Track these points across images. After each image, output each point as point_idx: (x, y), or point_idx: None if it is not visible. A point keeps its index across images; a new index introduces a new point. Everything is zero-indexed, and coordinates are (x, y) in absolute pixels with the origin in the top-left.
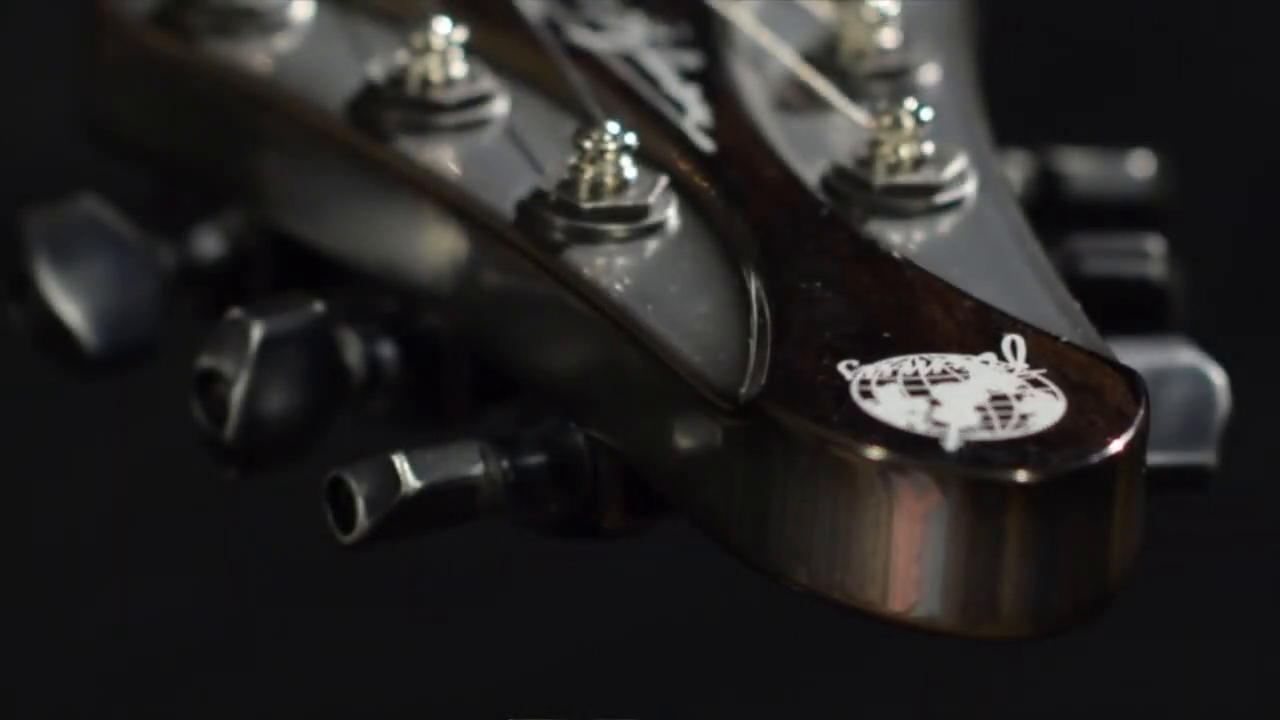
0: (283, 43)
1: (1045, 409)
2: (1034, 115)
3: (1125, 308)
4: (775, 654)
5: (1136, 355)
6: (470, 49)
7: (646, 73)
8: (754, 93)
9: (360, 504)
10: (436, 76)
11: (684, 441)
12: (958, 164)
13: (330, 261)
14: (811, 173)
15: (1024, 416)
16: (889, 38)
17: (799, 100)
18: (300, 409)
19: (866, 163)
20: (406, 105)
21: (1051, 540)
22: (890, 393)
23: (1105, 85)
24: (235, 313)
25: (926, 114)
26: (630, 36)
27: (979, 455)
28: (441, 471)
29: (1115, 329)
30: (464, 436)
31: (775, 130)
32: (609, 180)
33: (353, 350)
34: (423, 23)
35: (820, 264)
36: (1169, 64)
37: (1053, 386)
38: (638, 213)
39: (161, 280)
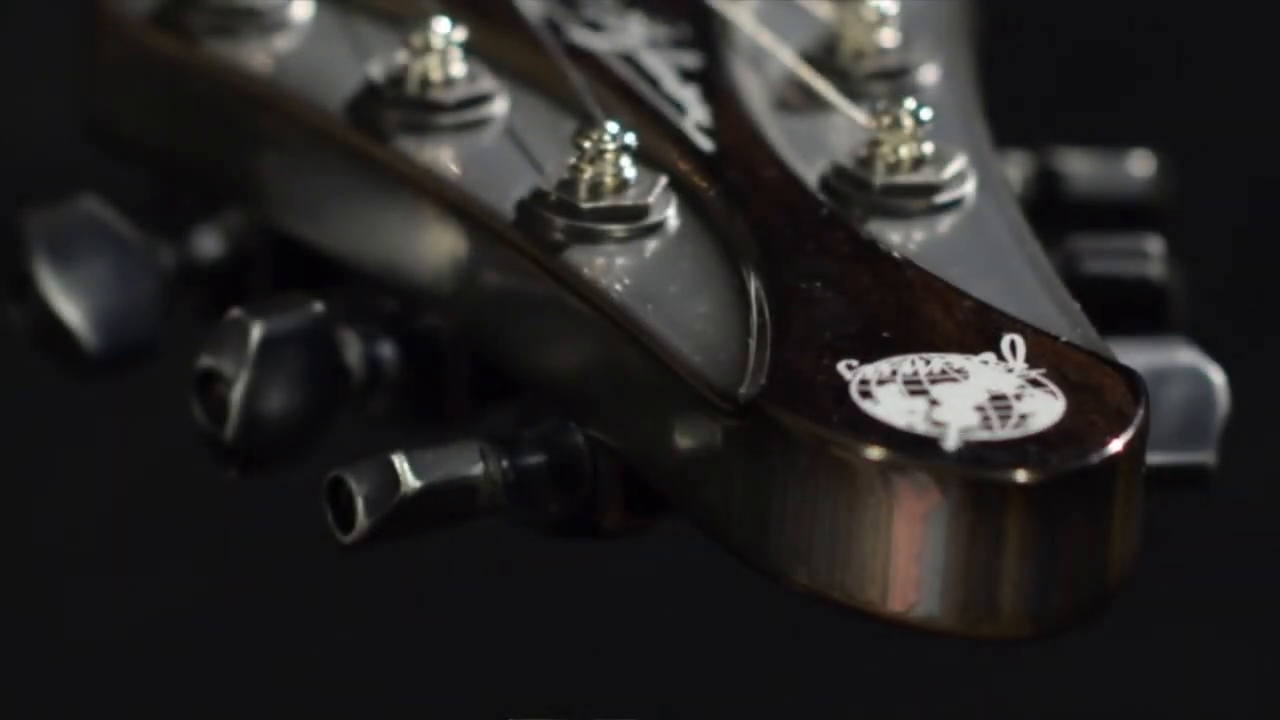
0: (283, 43)
1: (1045, 409)
2: (1034, 115)
3: (1125, 308)
4: (775, 654)
5: (1136, 355)
6: (470, 49)
7: (646, 73)
8: (754, 93)
9: (360, 504)
10: (436, 76)
11: (684, 441)
12: (957, 164)
13: (330, 261)
14: (811, 173)
15: (1024, 416)
16: (889, 38)
17: (799, 100)
18: (300, 409)
19: (866, 163)
20: (406, 105)
21: (1051, 540)
22: (890, 393)
23: (1106, 85)
24: (235, 313)
25: (926, 114)
26: (630, 36)
27: (979, 455)
28: (441, 471)
29: (1115, 329)
30: (464, 436)
31: (775, 130)
32: (609, 180)
33: (353, 350)
34: (423, 23)
35: (820, 264)
36: (1169, 64)
37: (1052, 386)
38: (637, 213)
39: (161, 280)
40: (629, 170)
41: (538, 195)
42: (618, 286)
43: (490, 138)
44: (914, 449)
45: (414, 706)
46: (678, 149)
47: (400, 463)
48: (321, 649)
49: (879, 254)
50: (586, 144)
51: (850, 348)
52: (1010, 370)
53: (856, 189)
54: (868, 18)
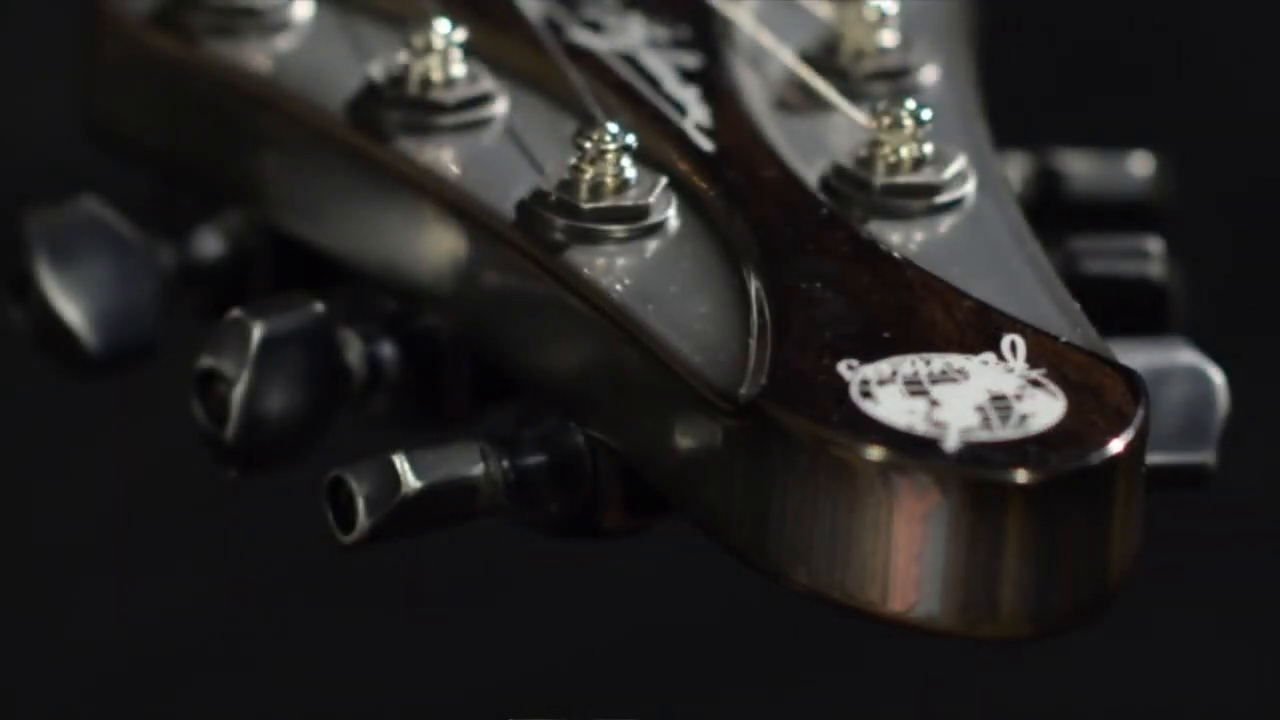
0: (283, 43)
1: (1045, 409)
2: (1034, 115)
3: (1125, 308)
4: (775, 654)
5: (1136, 355)
6: (470, 49)
7: (646, 73)
8: (754, 93)
9: (360, 504)
10: (437, 76)
11: (684, 441)
12: (957, 164)
13: (330, 261)
14: (811, 173)
15: (1024, 417)
16: (889, 38)
17: (799, 100)
18: (300, 409)
19: (866, 163)
20: (407, 105)
21: (1051, 540)
22: (890, 393)
23: (1105, 85)
24: (235, 313)
25: (926, 114)
26: (630, 36)
27: (979, 455)
28: (441, 471)
29: (1115, 329)
30: (464, 436)
31: (775, 130)
32: (609, 180)
33: (353, 350)
34: (423, 23)
35: (820, 264)
36: (1169, 64)
37: (1052, 386)
38: (638, 213)
39: (161, 280)
40: (629, 171)
41: (538, 195)
42: (618, 287)
43: (491, 138)
44: (914, 449)
45: (414, 706)
46: (678, 149)
47: (400, 463)
48: (321, 649)
49: (879, 254)
50: (587, 144)
51: (850, 348)
52: (1010, 370)
53: (856, 189)
54: (868, 18)
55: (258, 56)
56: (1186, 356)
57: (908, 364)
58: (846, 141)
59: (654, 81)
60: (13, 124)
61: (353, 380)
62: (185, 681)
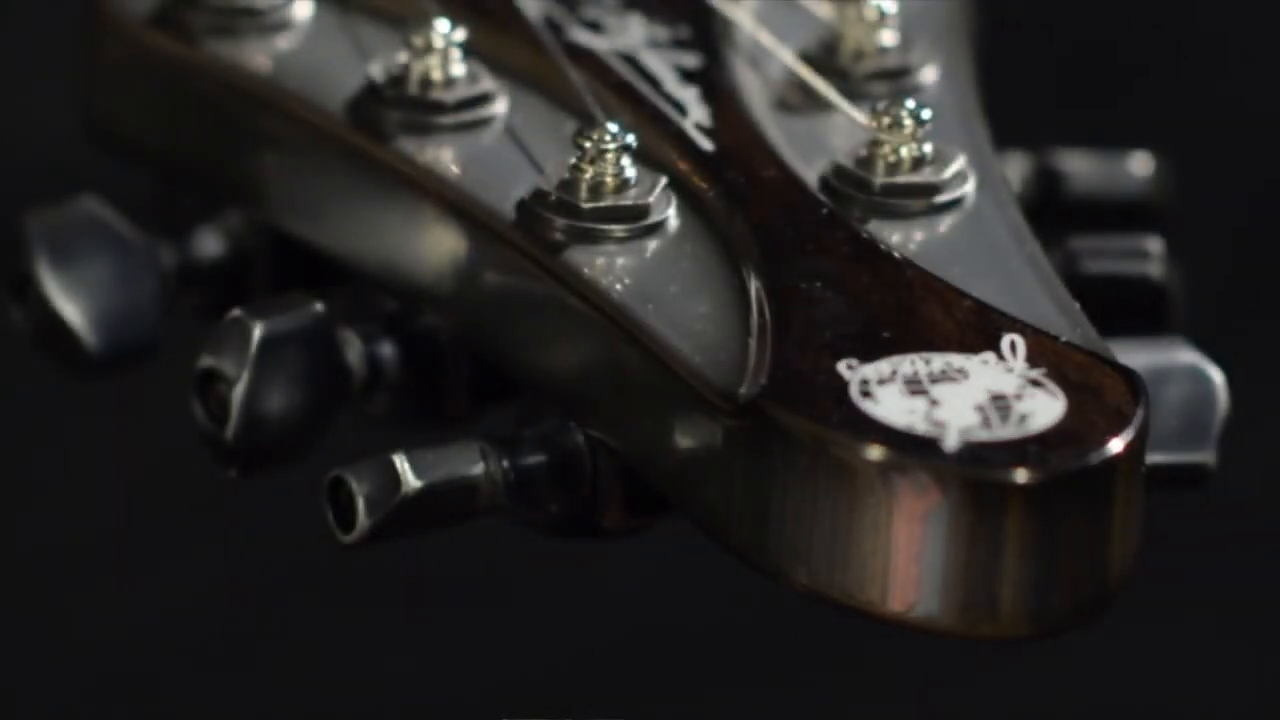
0: (283, 43)
1: (1045, 409)
2: (1034, 115)
3: (1125, 308)
4: (775, 654)
5: (1136, 355)
6: (470, 49)
7: (646, 73)
8: (754, 93)
9: (360, 504)
10: (437, 76)
11: (684, 441)
12: (957, 164)
13: (330, 261)
14: (811, 173)
15: (1023, 416)
16: (889, 37)
17: (799, 100)
18: (300, 409)
19: (866, 163)
20: (407, 105)
21: (1051, 540)
22: (890, 392)
23: (1105, 85)
24: (235, 313)
25: (926, 114)
26: (630, 36)
27: (978, 455)
28: (442, 471)
29: (1115, 329)
30: (464, 436)
31: (775, 130)
32: (609, 180)
33: (353, 350)
34: (423, 23)
35: (820, 264)
36: (1168, 64)
37: (1052, 386)
38: (638, 212)
39: (162, 280)
40: (629, 170)
41: (538, 195)
42: (618, 286)
43: (491, 138)
44: (914, 449)
45: (414, 706)
46: (678, 149)
47: (400, 463)
48: (321, 649)
49: (879, 254)
50: (587, 144)
51: (850, 348)
52: (1010, 370)
53: (856, 189)
54: (868, 18)
55: (258, 56)
56: (1186, 356)
57: (907, 364)
58: (846, 141)
59: (654, 81)
60: (13, 124)
61: (353, 380)
62: (185, 681)
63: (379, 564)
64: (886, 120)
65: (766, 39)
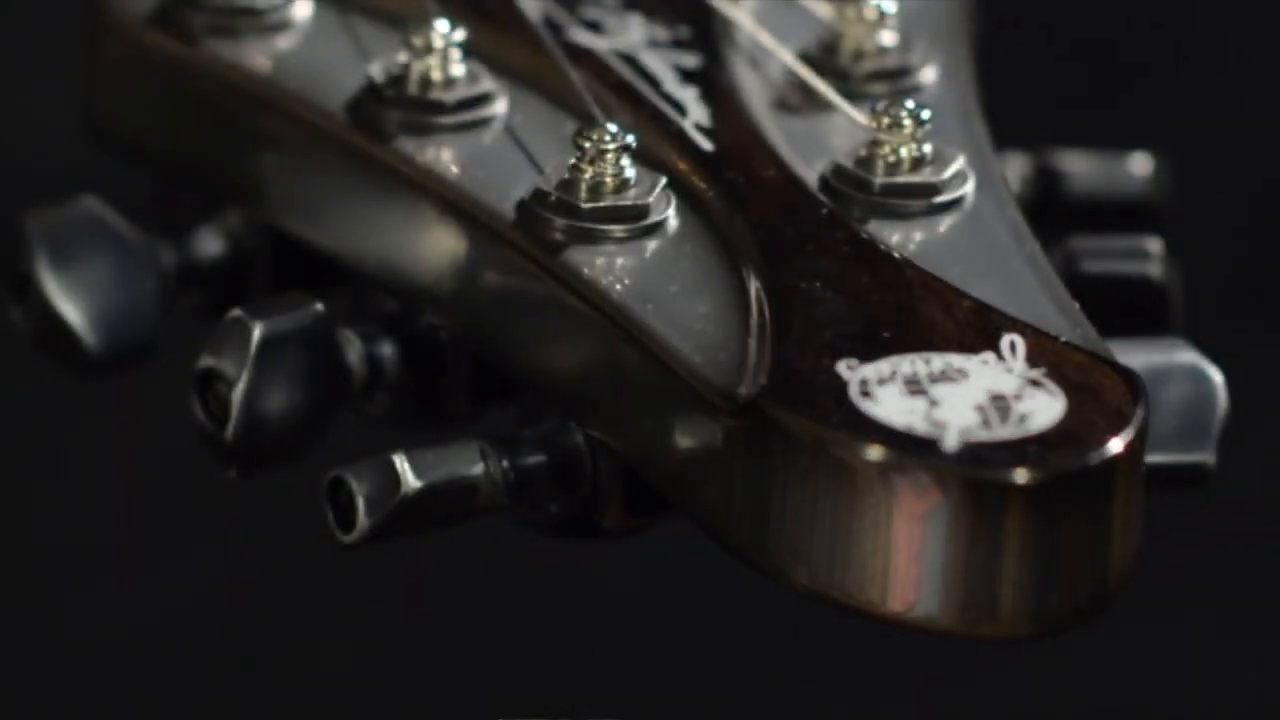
0: (283, 43)
1: (1044, 409)
2: (1034, 115)
3: (1125, 307)
4: (775, 654)
5: (1136, 355)
6: (470, 49)
7: (646, 73)
8: (754, 93)
9: (360, 504)
10: (437, 76)
11: (684, 441)
12: (957, 164)
13: (330, 261)
14: (811, 173)
15: (1023, 416)
16: (889, 37)
17: (799, 100)
18: (300, 409)
19: (866, 163)
20: (407, 105)
21: (1051, 540)
22: (890, 393)
23: (1105, 85)
24: (235, 313)
25: (926, 114)
26: (630, 36)
27: (978, 455)
28: (441, 471)
29: (1115, 329)
30: (464, 436)
31: (775, 130)
32: (609, 180)
33: (353, 350)
34: (423, 23)
35: (820, 264)
36: (1168, 64)
37: (1052, 386)
38: (638, 213)
39: (162, 280)
40: (629, 170)
41: (538, 195)
42: (618, 286)
43: (491, 138)
44: (914, 449)
45: (414, 706)
46: (678, 149)
47: (400, 463)
48: (321, 649)
49: (879, 254)
50: (587, 144)
51: (850, 348)
52: (1010, 370)
53: (856, 189)
54: (868, 18)
55: (258, 56)
56: (1186, 356)
57: (907, 364)
58: (846, 141)
59: (654, 81)
60: (13, 124)
61: (353, 380)
62: (185, 681)
63: (379, 564)
64: (886, 120)
65: (766, 39)
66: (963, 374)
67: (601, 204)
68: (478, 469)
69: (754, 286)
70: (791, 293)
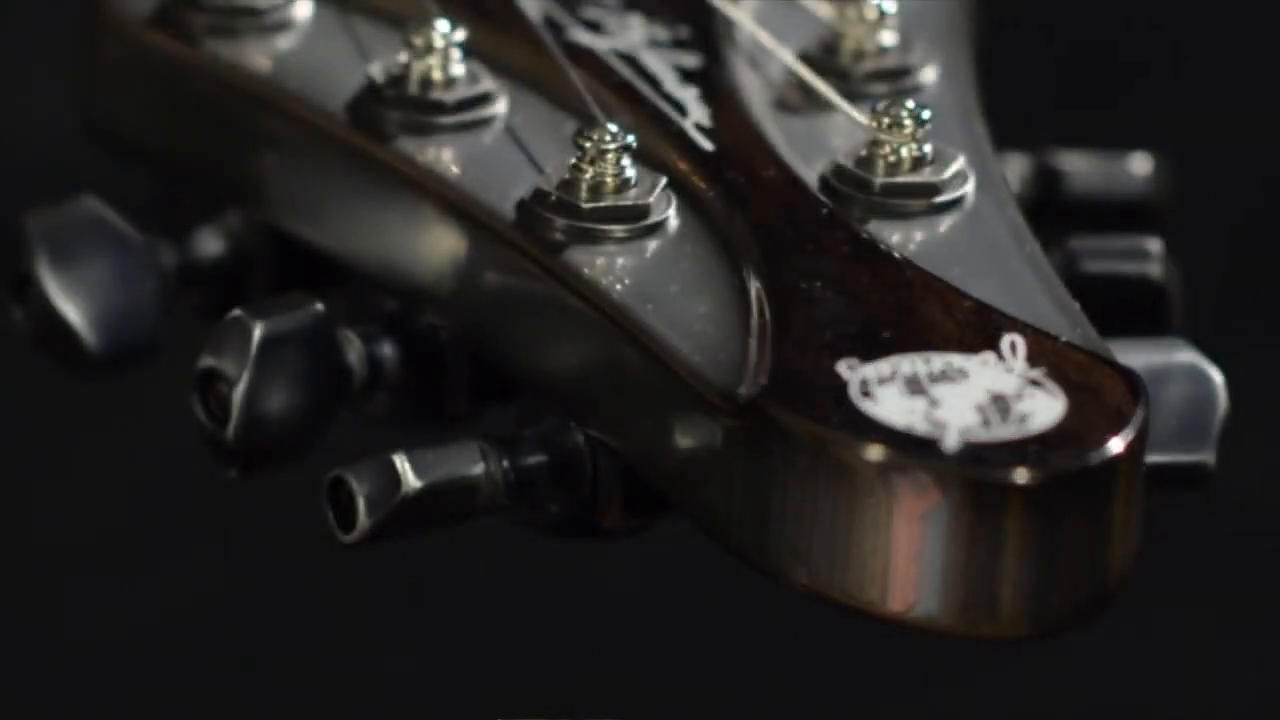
0: (283, 43)
1: (1044, 409)
2: (1034, 115)
3: (1125, 307)
4: (775, 654)
5: (1136, 355)
6: (471, 49)
7: (646, 73)
8: (754, 93)
9: (361, 504)
10: (437, 76)
11: (684, 441)
12: (957, 164)
13: (330, 261)
14: (811, 173)
15: (1023, 416)
16: (889, 37)
17: (799, 100)
18: (301, 409)
19: (866, 163)
20: (407, 105)
21: (1051, 540)
22: (890, 392)
23: (1104, 85)
24: (236, 313)
25: (926, 114)
26: (630, 36)
27: (978, 455)
28: (442, 471)
29: (1115, 329)
30: (464, 436)
31: (775, 130)
32: (609, 180)
33: (353, 350)
34: (423, 23)
35: (820, 264)
36: (1167, 64)
37: (1052, 386)
38: (638, 213)
39: (162, 280)
40: (629, 170)
41: (538, 195)
42: (618, 286)
43: (491, 138)
44: (914, 449)
45: (414, 706)
46: (678, 149)
47: (401, 463)
48: (321, 649)
49: (879, 254)
50: (587, 144)
51: (850, 347)
52: (1010, 370)
53: (856, 189)
54: (868, 18)
55: (258, 56)
56: (1186, 356)
57: (907, 364)
58: (846, 141)
59: (654, 81)
60: (13, 124)
61: (353, 380)
62: (185, 681)
63: (379, 564)
64: (886, 120)
65: (766, 39)
66: (963, 374)
67: (602, 204)
68: (478, 469)
69: (754, 286)
70: (792, 293)
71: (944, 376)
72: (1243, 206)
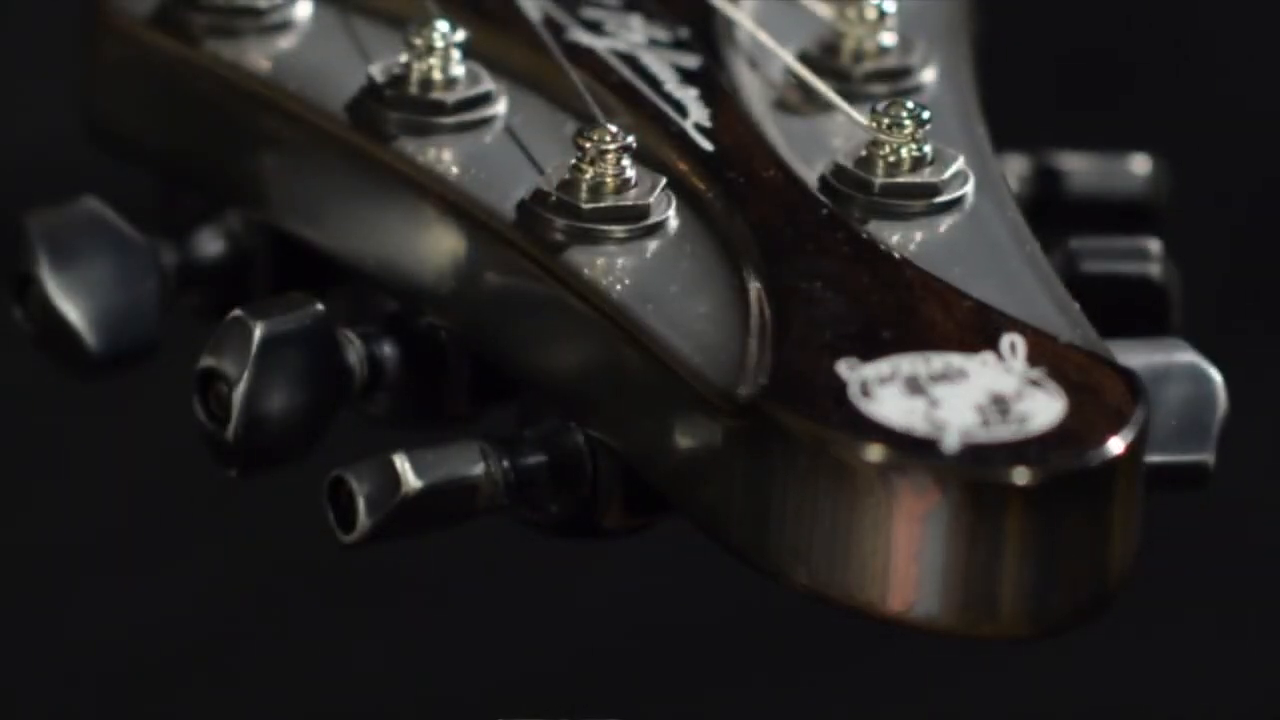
0: (283, 43)
1: (1044, 409)
2: (1034, 115)
3: (1125, 308)
4: (775, 654)
5: (1136, 355)
6: (471, 49)
7: (647, 73)
8: (754, 93)
9: (361, 504)
10: (437, 76)
11: (684, 441)
12: (957, 164)
13: (330, 261)
14: (811, 173)
15: (1023, 416)
16: (889, 37)
17: (799, 100)
18: (301, 409)
19: (866, 163)
20: (407, 105)
21: (1051, 540)
22: (890, 392)
23: (1104, 86)
24: (236, 313)
25: (926, 114)
26: (630, 36)
27: (978, 455)
28: (442, 471)
29: (1115, 329)
30: (464, 436)
31: (775, 130)
32: (609, 180)
33: (353, 350)
34: (423, 23)
35: (820, 264)
36: (1167, 64)
37: (1052, 387)
38: (638, 213)
39: (162, 280)
40: (630, 171)
41: (538, 196)
42: (618, 287)
43: (491, 138)
44: (914, 449)
45: (414, 706)
46: (678, 149)
47: (401, 463)
48: (321, 649)
49: (879, 254)
50: (588, 145)
51: (850, 347)
52: (1010, 370)
53: (856, 189)
54: (868, 18)
55: (258, 57)
56: (1185, 356)
57: (907, 364)
58: (846, 141)
59: (654, 82)
60: (13, 124)
61: (353, 380)
62: (185, 681)
63: (379, 564)
64: (886, 120)
65: (766, 39)
66: (963, 374)
67: (602, 204)
68: (478, 469)
69: (754, 286)
70: (792, 293)
71: (944, 376)
72: (1243, 206)
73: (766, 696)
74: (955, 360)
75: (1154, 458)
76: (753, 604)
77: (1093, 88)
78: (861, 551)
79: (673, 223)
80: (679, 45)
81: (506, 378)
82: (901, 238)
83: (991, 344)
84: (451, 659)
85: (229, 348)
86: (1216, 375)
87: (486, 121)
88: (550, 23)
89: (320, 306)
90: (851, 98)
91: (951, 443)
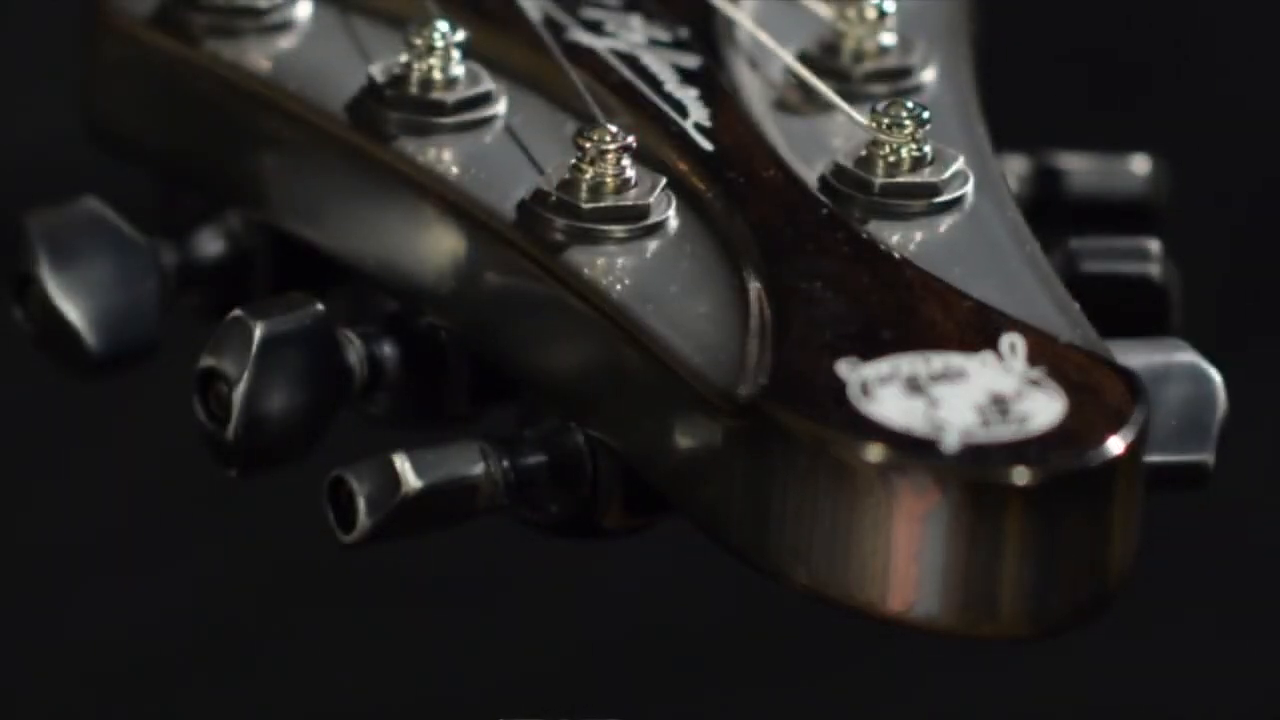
0: (283, 43)
1: (1044, 409)
2: (1034, 115)
3: (1125, 307)
4: (775, 654)
5: (1136, 355)
6: (471, 49)
7: (647, 73)
8: (754, 93)
9: (361, 504)
10: (437, 76)
11: (684, 441)
12: (957, 164)
13: (330, 261)
14: (811, 173)
15: (1023, 416)
16: (889, 37)
17: (799, 100)
18: (301, 409)
19: (866, 163)
20: (407, 105)
21: (1051, 540)
22: (890, 392)
23: (1103, 86)
24: (236, 313)
25: (926, 114)
26: (631, 36)
27: (978, 455)
28: (442, 471)
29: (1115, 329)
30: (464, 436)
31: (775, 130)
32: (609, 180)
33: (353, 350)
34: (423, 23)
35: (820, 264)
36: (1167, 64)
37: (1052, 386)
38: (638, 213)
39: (162, 280)
40: (630, 171)
41: (538, 196)
42: (618, 287)
43: (491, 138)
44: (914, 449)
45: (414, 706)
46: (678, 149)
47: (401, 463)
48: (321, 649)
49: (879, 254)
50: (588, 144)
51: (850, 347)
52: (1010, 370)
53: (856, 189)
54: (868, 18)
55: (258, 56)
56: (1186, 356)
57: (907, 364)
58: (846, 141)
59: (654, 82)
60: (13, 124)
61: (353, 380)
62: (185, 681)
63: (379, 564)
64: (886, 120)
65: (766, 39)
66: (962, 374)
67: (602, 204)
68: (478, 469)
69: (754, 286)
70: (791, 293)
71: (944, 376)
72: (1243, 206)
73: (766, 696)
74: (955, 360)
75: (1154, 458)
76: (753, 604)
77: (1093, 88)
78: (861, 551)
79: (673, 223)
80: (679, 45)
81: (506, 378)
82: (901, 238)
83: (991, 344)
84: (451, 659)
85: (229, 348)
86: (1216, 375)
87: (486, 121)
88: (550, 23)
89: (320, 306)
90: (851, 98)
91: (951, 443)
